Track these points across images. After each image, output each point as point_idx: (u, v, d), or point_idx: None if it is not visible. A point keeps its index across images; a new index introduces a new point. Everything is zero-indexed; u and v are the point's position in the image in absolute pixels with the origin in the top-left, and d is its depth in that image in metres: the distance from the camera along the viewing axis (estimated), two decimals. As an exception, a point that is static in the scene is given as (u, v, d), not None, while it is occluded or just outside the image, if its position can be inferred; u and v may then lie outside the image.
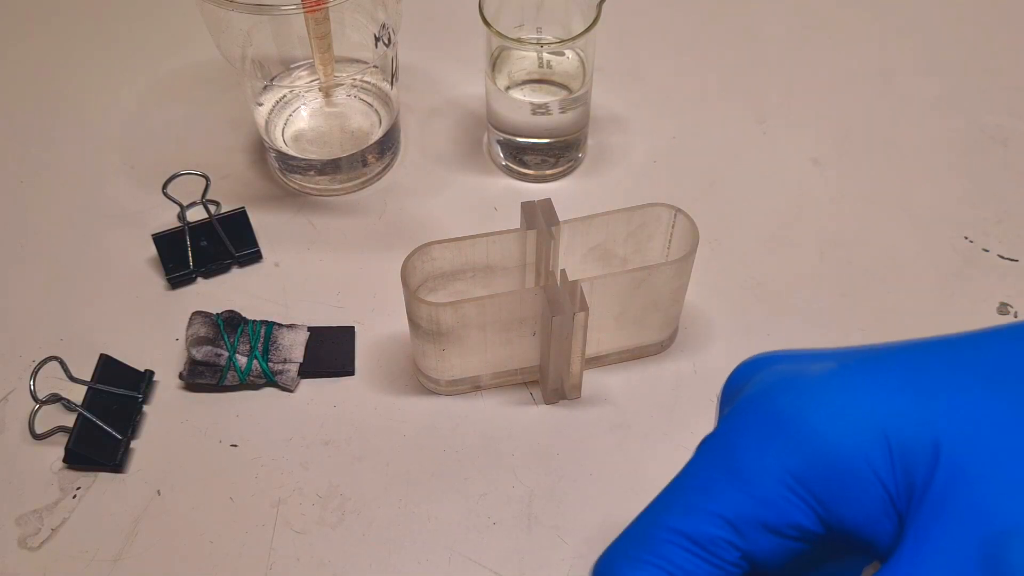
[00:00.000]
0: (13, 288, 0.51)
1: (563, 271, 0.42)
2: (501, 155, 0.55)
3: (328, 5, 0.46)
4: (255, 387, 0.46)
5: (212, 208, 0.50)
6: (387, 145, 0.55)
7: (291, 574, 0.41)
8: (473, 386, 0.46)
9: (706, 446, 0.26)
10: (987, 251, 0.52)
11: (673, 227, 0.44)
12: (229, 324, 0.46)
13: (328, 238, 0.53)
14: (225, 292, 0.50)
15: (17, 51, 0.64)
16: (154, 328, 0.49)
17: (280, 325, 0.47)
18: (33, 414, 0.43)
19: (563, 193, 0.54)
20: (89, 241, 0.53)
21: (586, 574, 0.40)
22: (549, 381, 0.44)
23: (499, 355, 0.44)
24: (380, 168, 0.56)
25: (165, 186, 0.49)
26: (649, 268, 0.42)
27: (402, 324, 0.46)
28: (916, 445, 0.22)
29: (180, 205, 0.50)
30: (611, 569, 0.26)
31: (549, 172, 0.55)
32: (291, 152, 0.54)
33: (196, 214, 0.50)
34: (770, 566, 0.25)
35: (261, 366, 0.45)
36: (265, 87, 0.54)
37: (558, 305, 0.40)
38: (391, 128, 0.55)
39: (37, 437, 0.44)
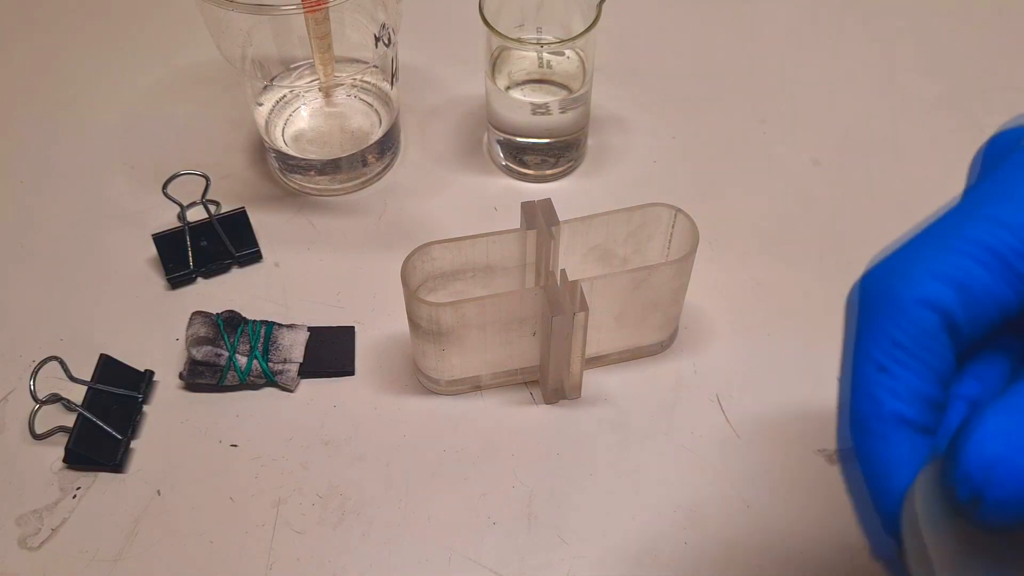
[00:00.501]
0: (13, 288, 0.51)
1: (563, 271, 0.42)
2: (501, 155, 0.55)
3: (328, 5, 0.46)
4: (255, 387, 0.46)
5: (212, 208, 0.50)
6: (387, 145, 0.55)
7: (291, 574, 0.41)
8: (473, 386, 0.46)
9: (1009, 159, 0.23)
10: (987, 251, 0.52)
11: (673, 227, 0.44)
12: (229, 324, 0.46)
13: (328, 238, 0.53)
14: (225, 292, 0.50)
15: (17, 51, 0.64)
16: (154, 328, 0.49)
17: (280, 325, 0.47)
18: (33, 414, 0.43)
19: (563, 193, 0.54)
20: (89, 241, 0.53)
21: (586, 574, 0.40)
22: (549, 381, 0.44)
23: (499, 355, 0.44)
24: (380, 168, 0.56)
25: (165, 186, 0.49)
26: (649, 268, 0.42)
27: (402, 324, 0.46)
28: None
29: (180, 205, 0.50)
30: (891, 281, 0.24)
31: (549, 172, 0.55)
32: (291, 152, 0.54)
33: (196, 214, 0.50)
34: None
35: (261, 366, 0.45)
36: (265, 87, 0.54)
37: (558, 305, 0.40)
38: (391, 128, 0.55)
39: (37, 437, 0.44)
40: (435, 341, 0.43)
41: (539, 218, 0.43)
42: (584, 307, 0.40)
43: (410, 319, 0.43)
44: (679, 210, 0.43)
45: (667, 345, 0.48)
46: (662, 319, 0.45)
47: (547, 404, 0.46)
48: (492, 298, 0.41)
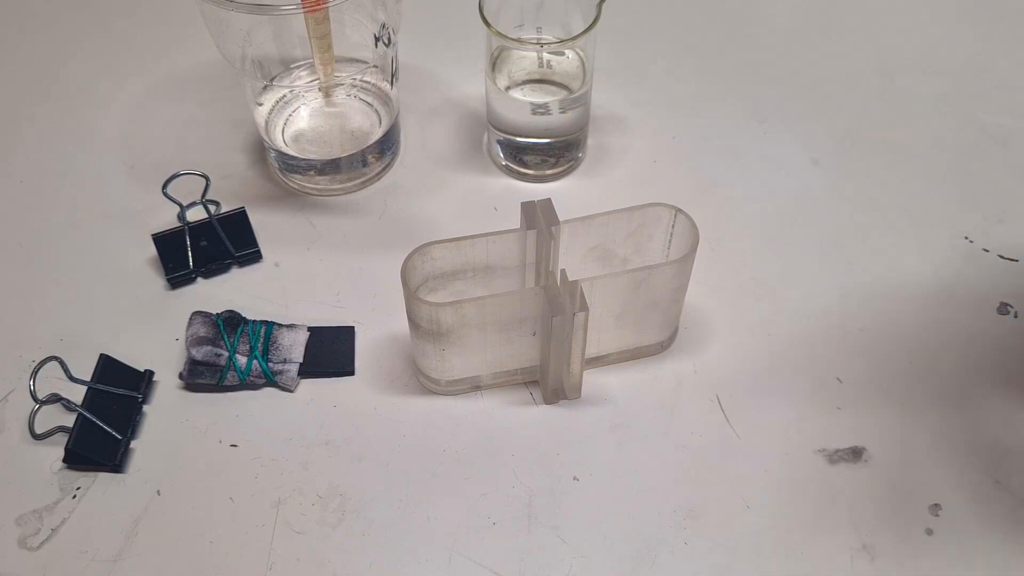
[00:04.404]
0: (13, 288, 0.51)
1: (563, 271, 0.42)
2: (501, 155, 0.55)
3: (328, 5, 0.46)
4: (255, 387, 0.46)
5: (212, 208, 0.50)
6: (387, 145, 0.55)
7: (291, 574, 0.41)
8: (473, 386, 0.46)
9: None
10: (987, 251, 0.52)
11: (673, 227, 0.44)
12: (229, 324, 0.46)
13: (328, 238, 0.53)
14: (225, 292, 0.50)
15: (17, 51, 0.64)
16: (154, 328, 0.49)
17: (280, 325, 0.47)
18: (33, 414, 0.43)
19: (563, 193, 0.54)
20: (89, 241, 0.53)
21: (586, 574, 0.40)
22: (549, 381, 0.44)
23: (499, 355, 0.44)
24: (380, 168, 0.56)
25: (165, 186, 0.49)
26: (649, 268, 0.42)
27: (402, 324, 0.46)
28: None
29: (180, 205, 0.50)
30: None
31: (549, 172, 0.55)
32: (291, 152, 0.54)
33: (196, 214, 0.50)
34: None
35: (261, 366, 0.45)
36: (265, 87, 0.54)
37: (558, 305, 0.40)
38: (391, 128, 0.55)
39: (37, 437, 0.44)
40: (435, 341, 0.43)
41: (539, 218, 0.43)
42: (584, 307, 0.40)
43: (410, 319, 0.43)
44: (679, 210, 0.43)
45: (667, 345, 0.48)
46: (662, 319, 0.45)
47: (547, 404, 0.46)
48: (492, 298, 0.41)
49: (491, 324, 0.42)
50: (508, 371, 0.46)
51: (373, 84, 0.56)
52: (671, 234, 0.45)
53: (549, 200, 0.43)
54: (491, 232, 0.43)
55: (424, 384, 0.46)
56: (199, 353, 0.45)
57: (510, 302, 0.41)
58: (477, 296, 0.41)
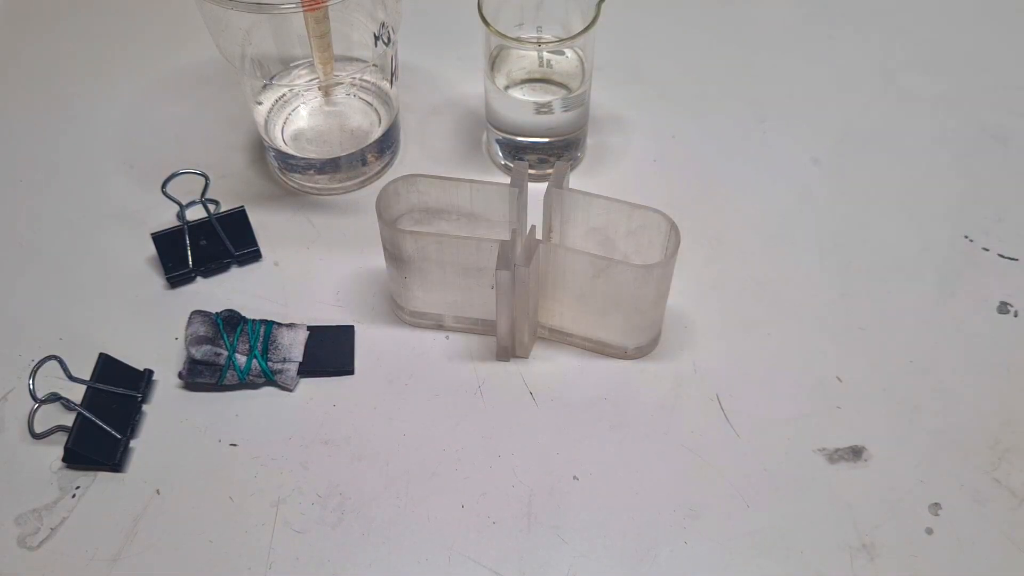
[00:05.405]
0: (13, 288, 0.51)
1: (533, 227, 0.42)
2: (500, 154, 0.55)
3: (327, 4, 0.46)
4: (254, 386, 0.46)
5: (211, 207, 0.50)
6: (387, 144, 0.55)
7: (291, 574, 0.41)
8: (436, 323, 0.47)
9: None
10: (987, 250, 0.52)
11: (669, 234, 0.44)
12: (228, 323, 0.46)
13: (328, 237, 0.53)
14: (224, 291, 0.50)
15: (17, 51, 0.64)
16: (154, 328, 0.49)
17: (279, 324, 0.47)
18: (32, 413, 0.43)
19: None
20: (89, 241, 0.53)
21: (586, 574, 0.40)
22: (499, 338, 0.45)
23: (459, 299, 0.45)
24: (380, 167, 0.56)
25: (164, 185, 0.49)
26: (638, 266, 0.42)
27: (402, 324, 0.46)
28: None
29: (179, 204, 0.49)
30: None
31: (549, 171, 0.55)
32: (290, 151, 0.54)
33: (196, 213, 0.50)
34: None
35: (260, 365, 0.45)
36: (264, 86, 0.54)
37: (505, 260, 0.41)
38: (391, 127, 0.55)
39: (36, 436, 0.44)
40: (398, 268, 0.44)
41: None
42: (527, 262, 0.41)
43: (384, 247, 0.45)
44: (673, 224, 0.43)
45: (667, 345, 0.48)
46: (659, 319, 0.45)
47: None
48: (451, 239, 0.42)
49: (450, 264, 0.43)
50: (470, 319, 0.46)
51: (373, 83, 0.56)
52: (668, 239, 0.45)
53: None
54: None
55: (400, 318, 0.47)
56: (198, 352, 0.45)
57: (466, 246, 0.42)
58: (438, 233, 0.42)
